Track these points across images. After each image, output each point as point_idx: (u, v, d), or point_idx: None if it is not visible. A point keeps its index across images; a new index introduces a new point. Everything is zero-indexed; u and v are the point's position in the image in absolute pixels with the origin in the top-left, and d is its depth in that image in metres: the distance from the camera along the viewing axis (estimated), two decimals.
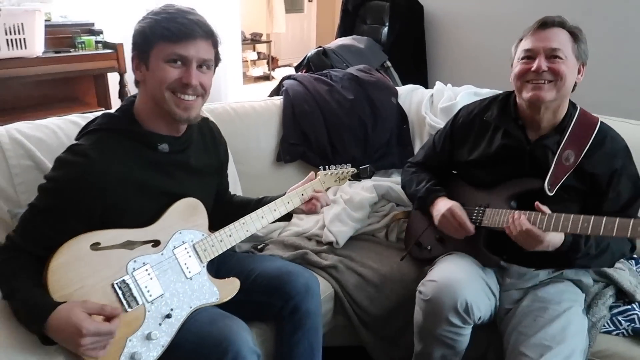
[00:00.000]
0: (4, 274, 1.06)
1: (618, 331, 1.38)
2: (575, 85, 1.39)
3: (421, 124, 2.21)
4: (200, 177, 1.32)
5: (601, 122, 1.42)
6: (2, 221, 1.39)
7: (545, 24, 1.35)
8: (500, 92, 2.13)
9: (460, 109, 1.64)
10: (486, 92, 2.19)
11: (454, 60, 3.19)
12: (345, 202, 1.82)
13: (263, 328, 1.38)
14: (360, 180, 1.65)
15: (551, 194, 1.34)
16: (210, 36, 1.17)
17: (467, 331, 1.34)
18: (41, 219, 1.09)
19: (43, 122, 1.53)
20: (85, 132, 1.20)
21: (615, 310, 1.42)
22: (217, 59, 1.23)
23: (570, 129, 1.39)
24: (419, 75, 3.23)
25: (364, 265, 1.63)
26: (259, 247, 1.69)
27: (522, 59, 1.38)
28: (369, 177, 1.61)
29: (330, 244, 1.72)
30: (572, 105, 1.44)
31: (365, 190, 1.87)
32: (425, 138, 2.20)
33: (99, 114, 1.26)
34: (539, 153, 1.39)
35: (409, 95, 2.30)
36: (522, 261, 1.41)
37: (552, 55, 1.33)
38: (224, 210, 1.39)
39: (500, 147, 1.45)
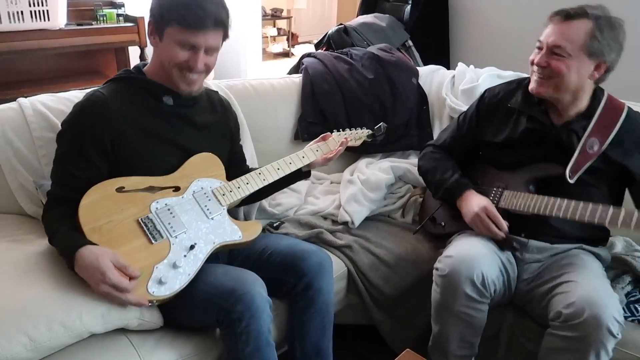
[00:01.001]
0: (47, 222, 1.19)
1: (634, 318, 1.37)
2: (599, 81, 1.37)
3: (441, 106, 2.18)
4: (207, 134, 1.39)
5: (629, 108, 1.40)
6: (28, 191, 1.44)
7: (560, 16, 1.33)
8: (526, 75, 2.07)
9: (485, 91, 1.62)
10: (509, 75, 2.15)
11: (477, 41, 3.12)
12: (361, 182, 1.82)
13: (276, 304, 1.40)
14: (377, 141, 1.66)
15: (572, 182, 1.35)
16: (220, 25, 1.24)
17: (485, 307, 1.35)
18: (64, 161, 1.21)
19: (65, 94, 1.56)
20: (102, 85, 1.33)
21: (632, 298, 1.42)
22: (225, 38, 1.30)
23: (597, 115, 1.37)
24: (441, 55, 3.17)
25: (379, 246, 1.64)
26: (274, 224, 1.71)
27: (536, 47, 1.39)
28: (384, 134, 1.66)
29: (345, 223, 1.72)
30: (600, 91, 1.42)
31: (382, 171, 1.86)
32: (445, 120, 2.18)
33: None
34: (565, 137, 1.40)
35: (430, 76, 2.27)
36: (541, 236, 1.42)
37: (553, 51, 1.32)
38: None
39: (526, 131, 1.45)
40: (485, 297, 1.33)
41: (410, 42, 2.98)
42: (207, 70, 1.28)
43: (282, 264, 1.37)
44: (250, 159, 1.75)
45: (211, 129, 1.41)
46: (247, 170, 1.57)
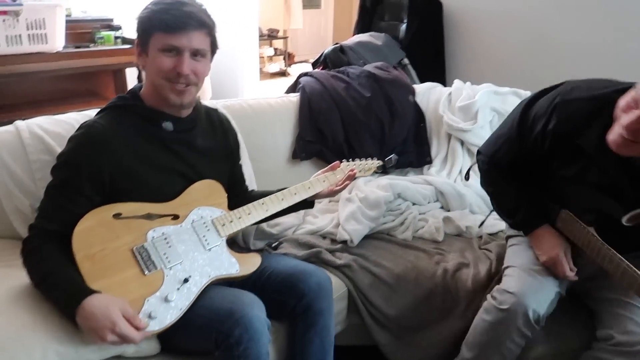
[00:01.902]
0: (34, 262, 1.10)
1: None
2: None
3: (439, 123, 2.19)
4: (208, 158, 1.36)
5: None
6: (24, 215, 1.42)
7: None
8: (522, 90, 2.08)
9: (554, 112, 1.27)
10: (506, 91, 2.17)
11: (473, 58, 3.15)
12: (360, 200, 1.80)
13: (276, 326, 1.38)
14: (387, 172, 1.65)
15: (627, 224, 1.23)
16: (203, 26, 1.21)
17: (524, 342, 1.33)
18: (57, 193, 1.15)
19: (62, 117, 1.56)
20: (96, 113, 1.30)
21: None
22: (213, 47, 1.27)
23: None
24: (437, 73, 3.20)
25: (378, 265, 1.62)
26: (273, 245, 1.69)
27: (632, 100, 1.12)
28: (394, 166, 1.64)
29: (344, 242, 1.71)
30: None
31: (380, 188, 1.85)
32: (442, 137, 2.18)
33: None
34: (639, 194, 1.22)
35: (427, 94, 2.28)
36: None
37: None
38: (243, 200, 1.41)
39: (595, 182, 1.26)
40: (534, 332, 1.30)
41: (406, 60, 3.01)
42: (197, 79, 1.23)
43: (281, 285, 1.35)
44: (249, 179, 1.74)
45: (212, 152, 1.38)
46: (246, 190, 1.56)
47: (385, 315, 1.58)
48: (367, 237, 1.75)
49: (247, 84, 4.32)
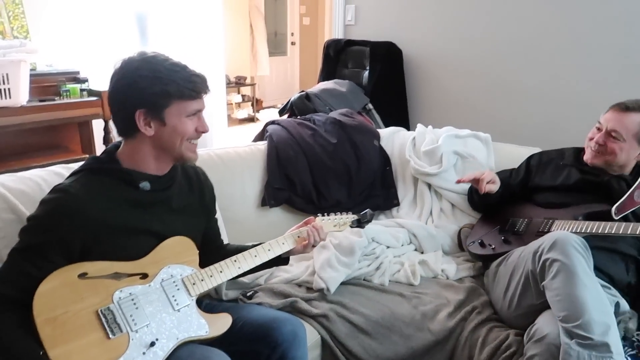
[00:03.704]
0: None
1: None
2: None
3: (404, 166, 2.25)
4: (184, 216, 1.34)
5: None
6: None
7: (620, 107, 1.62)
8: (481, 133, 2.25)
9: (537, 154, 1.93)
10: (466, 134, 2.25)
11: (433, 101, 3.27)
12: (334, 246, 1.80)
13: None
14: (363, 227, 1.65)
15: (617, 218, 1.52)
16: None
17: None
18: (22, 257, 1.10)
19: (26, 174, 1.53)
20: (70, 174, 1.26)
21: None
22: None
23: None
24: (401, 116, 3.30)
25: (356, 312, 1.60)
26: (248, 294, 1.67)
27: (596, 127, 1.68)
28: (369, 220, 1.62)
29: (321, 290, 1.69)
30: None
31: (354, 234, 1.84)
32: (408, 179, 2.24)
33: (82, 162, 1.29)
34: (615, 183, 1.64)
35: (391, 138, 2.35)
36: None
37: (611, 134, 1.62)
38: (218, 256, 1.38)
39: (579, 180, 1.70)
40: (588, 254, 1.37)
41: (370, 105, 3.10)
42: None
43: (254, 335, 1.33)
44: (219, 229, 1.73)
45: (188, 209, 1.37)
46: (221, 245, 1.54)
47: None
48: (343, 284, 1.74)
49: (215, 131, 4.35)
